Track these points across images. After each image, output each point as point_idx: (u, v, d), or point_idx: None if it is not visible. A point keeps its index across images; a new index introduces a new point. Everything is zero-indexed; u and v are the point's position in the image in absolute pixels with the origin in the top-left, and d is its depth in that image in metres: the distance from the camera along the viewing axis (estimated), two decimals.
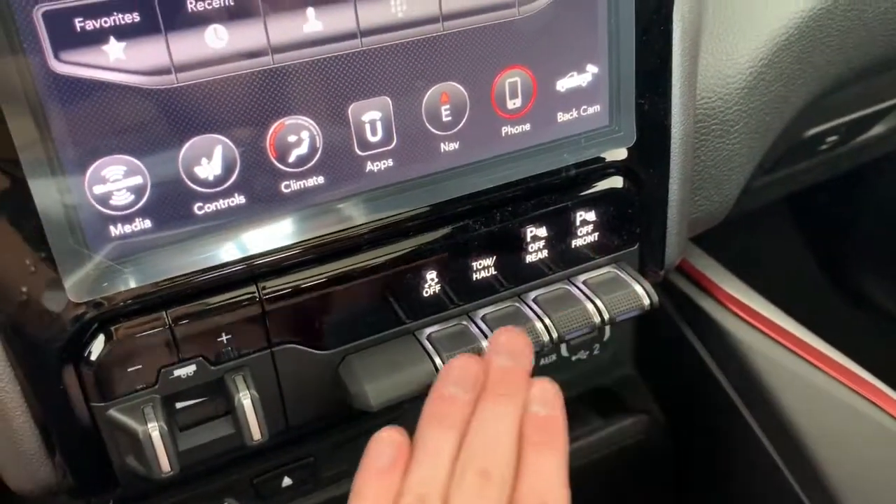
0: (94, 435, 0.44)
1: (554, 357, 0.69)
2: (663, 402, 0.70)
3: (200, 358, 0.44)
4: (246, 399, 0.44)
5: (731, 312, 0.64)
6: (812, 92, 0.67)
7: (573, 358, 0.70)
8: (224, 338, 0.44)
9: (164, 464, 0.42)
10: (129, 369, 0.42)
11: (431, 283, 0.49)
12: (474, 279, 0.50)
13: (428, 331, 0.50)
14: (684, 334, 0.67)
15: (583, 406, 0.70)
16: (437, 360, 0.48)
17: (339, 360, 0.48)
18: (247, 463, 0.59)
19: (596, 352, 0.71)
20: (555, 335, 0.50)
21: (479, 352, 0.48)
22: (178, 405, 0.45)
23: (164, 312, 0.42)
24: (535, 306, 0.51)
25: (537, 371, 0.67)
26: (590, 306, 0.51)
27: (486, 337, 0.49)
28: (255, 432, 0.44)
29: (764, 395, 0.61)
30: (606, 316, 0.51)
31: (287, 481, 0.60)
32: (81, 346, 0.41)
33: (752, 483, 0.64)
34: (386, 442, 0.40)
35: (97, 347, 0.42)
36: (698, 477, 0.69)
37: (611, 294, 0.52)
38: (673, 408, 0.69)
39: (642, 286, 0.53)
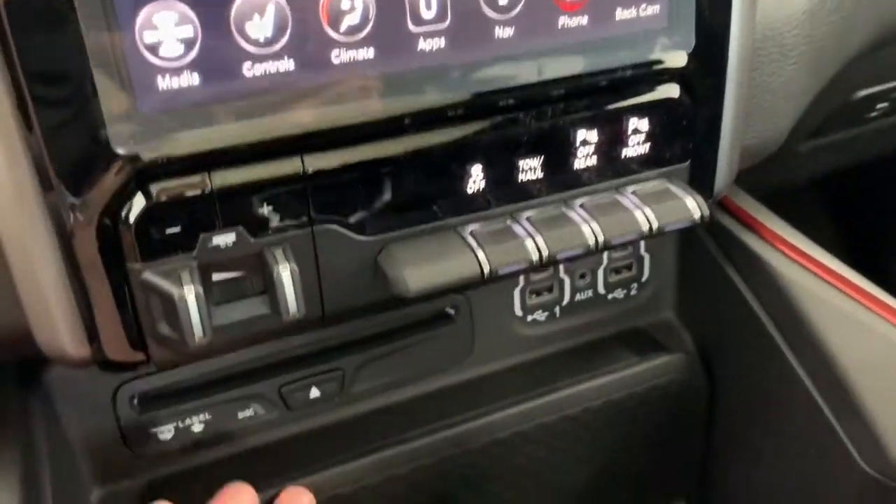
0: (127, 299, 0.43)
1: (590, 293, 0.68)
2: (701, 344, 0.68)
3: (241, 227, 0.43)
4: (285, 271, 0.43)
5: (776, 249, 0.62)
6: (869, 34, 0.65)
7: (609, 296, 0.69)
8: (265, 209, 0.43)
9: (198, 330, 0.41)
10: (167, 231, 0.41)
11: (476, 177, 0.47)
12: (520, 179, 0.49)
13: (470, 227, 0.48)
14: (726, 272, 0.65)
15: (617, 344, 0.68)
16: (480, 254, 0.47)
17: (378, 249, 0.47)
18: (275, 371, 0.58)
19: (633, 292, 0.70)
20: (601, 239, 0.49)
21: (521, 249, 0.47)
22: (215, 277, 0.44)
23: (206, 174, 0.41)
24: (581, 211, 0.50)
25: (571, 307, 0.67)
26: (638, 214, 0.50)
27: (529, 236, 0.48)
28: (292, 307, 0.43)
29: (808, 333, 0.60)
30: (655, 224, 0.50)
31: (315, 392, 0.59)
32: (121, 203, 0.41)
33: (789, 420, 0.62)
34: None
35: (137, 205, 0.41)
36: (733, 417, 0.67)
37: (661, 204, 0.51)
38: (710, 348, 0.68)
39: (694, 199, 0.51)
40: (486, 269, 0.47)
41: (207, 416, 0.57)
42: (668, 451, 0.68)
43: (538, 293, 0.66)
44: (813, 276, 0.61)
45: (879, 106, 0.86)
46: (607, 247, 0.50)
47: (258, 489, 0.55)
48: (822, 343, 0.59)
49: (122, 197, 0.40)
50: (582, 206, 0.50)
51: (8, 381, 0.52)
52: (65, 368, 0.53)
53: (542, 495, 0.64)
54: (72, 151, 0.39)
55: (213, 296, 0.44)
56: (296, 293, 0.43)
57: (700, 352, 0.68)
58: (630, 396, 0.64)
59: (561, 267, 0.65)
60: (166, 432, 0.56)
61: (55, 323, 0.43)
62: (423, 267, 0.46)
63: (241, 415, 0.58)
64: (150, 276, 0.42)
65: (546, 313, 0.66)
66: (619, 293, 0.69)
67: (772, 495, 0.66)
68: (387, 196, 0.46)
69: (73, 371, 0.53)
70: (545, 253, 0.48)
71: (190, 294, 0.41)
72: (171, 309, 0.41)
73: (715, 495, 0.71)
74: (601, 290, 0.68)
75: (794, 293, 0.61)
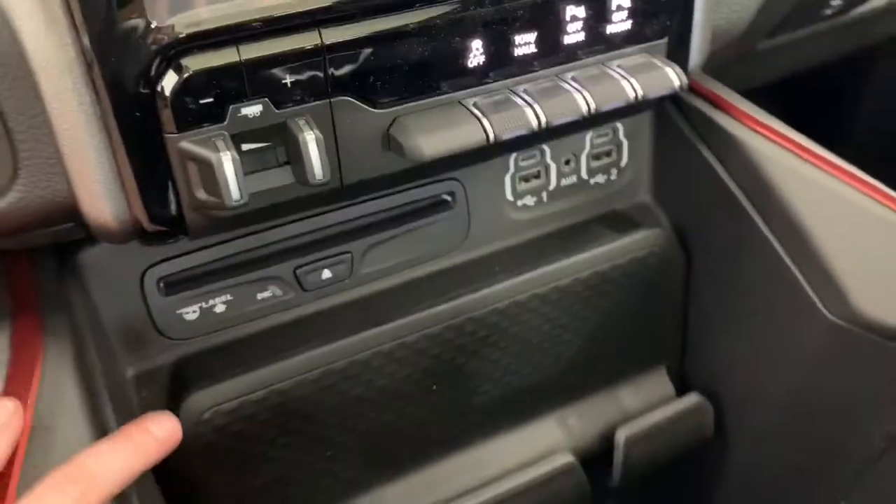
0: (166, 169, 0.46)
1: (574, 179, 0.73)
2: (676, 221, 0.74)
3: (266, 99, 0.46)
4: (310, 136, 0.46)
5: (746, 126, 0.68)
6: None
7: (592, 181, 0.74)
8: (288, 81, 0.46)
9: (235, 191, 0.45)
10: (201, 101, 0.45)
11: (476, 51, 0.51)
12: (516, 53, 0.53)
13: (473, 99, 0.52)
14: (699, 151, 0.70)
15: (599, 224, 0.73)
16: (485, 122, 0.51)
17: (390, 121, 0.51)
18: (290, 255, 0.62)
19: (613, 177, 0.75)
20: (592, 107, 0.53)
21: (522, 116, 0.52)
22: (244, 147, 0.47)
23: (235, 47, 0.45)
24: (573, 83, 0.54)
25: (557, 192, 0.72)
26: (625, 83, 0.55)
27: (528, 105, 0.52)
28: (318, 172, 0.47)
29: (776, 200, 0.65)
30: (640, 92, 0.55)
31: (327, 273, 0.63)
32: (158, 74, 0.44)
33: (759, 282, 0.68)
34: None
35: (172, 77, 0.44)
36: (708, 286, 0.73)
37: (644, 74, 0.55)
38: (686, 224, 0.73)
39: (673, 69, 0.56)
40: (491, 135, 0.51)
41: (229, 298, 0.61)
42: (650, 320, 0.74)
43: (527, 179, 0.70)
44: (779, 148, 0.66)
45: (834, 3, 0.91)
46: (598, 114, 0.54)
47: (279, 360, 0.60)
48: (789, 208, 0.65)
49: (159, 68, 0.44)
50: (573, 78, 0.55)
51: (47, 266, 0.55)
52: (97, 252, 0.56)
53: (537, 361, 0.70)
54: (111, 25, 0.42)
55: (244, 165, 0.48)
56: (321, 158, 0.47)
57: (676, 227, 0.74)
58: (613, 268, 0.70)
59: (547, 153, 0.70)
60: (191, 313, 0.60)
61: (99, 192, 0.46)
62: (434, 134, 0.50)
63: (259, 296, 0.62)
64: (187, 144, 0.45)
65: (535, 198, 0.71)
66: (600, 178, 0.74)
67: (745, 355, 0.73)
68: (396, 70, 0.50)
69: (104, 256, 0.57)
70: (543, 119, 0.52)
71: (226, 158, 0.45)
72: (209, 173, 0.45)
73: (693, 361, 0.78)
74: (584, 175, 0.73)
75: (763, 165, 0.66)
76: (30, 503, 0.41)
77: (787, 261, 0.65)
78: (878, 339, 0.62)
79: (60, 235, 0.52)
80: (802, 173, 0.65)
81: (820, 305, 0.64)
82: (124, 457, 0.45)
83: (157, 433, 0.48)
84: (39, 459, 0.45)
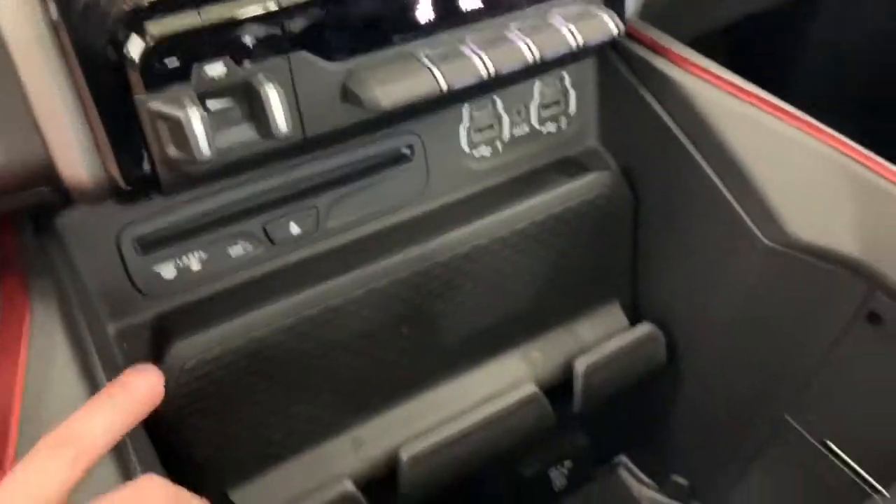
0: (137, 129, 0.49)
1: (526, 128, 0.76)
2: (623, 164, 0.78)
3: (228, 57, 0.49)
4: (272, 91, 0.49)
5: (683, 69, 0.72)
6: None
7: (543, 130, 0.77)
8: (248, 39, 0.49)
9: (204, 146, 0.48)
10: (166, 63, 0.47)
11: (424, 4, 0.55)
12: (462, 6, 0.56)
13: (424, 51, 0.56)
14: (642, 96, 0.74)
15: (551, 171, 0.78)
16: (437, 72, 0.54)
17: (347, 75, 0.54)
18: (258, 211, 0.65)
19: (563, 125, 0.79)
20: (537, 55, 0.57)
21: (471, 66, 0.55)
22: (210, 105, 0.50)
23: (196, 10, 0.47)
24: (518, 32, 0.58)
25: (511, 141, 0.76)
26: (565, 31, 0.58)
27: (476, 55, 0.56)
28: (281, 124, 0.50)
29: (714, 137, 0.70)
30: (581, 40, 0.58)
31: (295, 228, 0.67)
32: (123, 40, 0.46)
33: (701, 215, 0.73)
34: None
35: (137, 41, 0.46)
36: (654, 223, 0.78)
37: (583, 22, 0.59)
38: (632, 166, 0.78)
39: (610, 17, 0.60)
40: (444, 84, 0.54)
41: (203, 255, 0.64)
42: (603, 257, 0.79)
43: (481, 130, 0.74)
44: (715, 88, 0.71)
45: None
46: (542, 62, 0.58)
47: (255, 309, 0.63)
48: (726, 144, 0.69)
49: (125, 34, 0.46)
50: (517, 28, 0.58)
51: (26, 230, 0.58)
52: (74, 215, 0.59)
53: (499, 301, 0.74)
54: None
55: (211, 122, 0.51)
56: (283, 112, 0.50)
57: (623, 169, 0.78)
58: (565, 210, 0.74)
59: (499, 104, 0.73)
60: (168, 271, 0.63)
61: (74, 154, 0.49)
62: (389, 85, 0.53)
63: (232, 252, 0.65)
64: (155, 104, 0.48)
65: (489, 148, 0.75)
66: (550, 126, 0.77)
67: (691, 285, 0.78)
68: (350, 24, 0.53)
69: (81, 218, 0.59)
70: (491, 69, 0.56)
71: (194, 115, 0.48)
72: (179, 131, 0.48)
73: (644, 293, 0.83)
74: (535, 124, 0.76)
75: (700, 105, 0.71)
76: (24, 469, 0.41)
77: (726, 193, 0.70)
78: (810, 259, 0.67)
79: (38, 199, 0.54)
80: (737, 111, 0.70)
81: (757, 232, 0.69)
82: (113, 416, 0.46)
83: (143, 388, 0.50)
84: (35, 416, 0.48)
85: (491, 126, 0.74)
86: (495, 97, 0.73)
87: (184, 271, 0.64)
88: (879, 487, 0.69)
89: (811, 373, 0.73)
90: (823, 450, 0.75)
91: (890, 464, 0.67)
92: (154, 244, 0.62)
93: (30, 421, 0.48)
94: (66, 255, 0.59)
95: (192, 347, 0.61)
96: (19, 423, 0.47)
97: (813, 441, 0.76)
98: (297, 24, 0.51)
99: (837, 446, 0.74)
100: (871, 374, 0.68)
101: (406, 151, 0.70)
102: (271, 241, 0.66)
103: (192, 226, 0.63)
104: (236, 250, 0.65)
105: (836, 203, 0.66)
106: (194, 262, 0.64)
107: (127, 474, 0.48)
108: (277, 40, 0.50)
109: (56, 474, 0.41)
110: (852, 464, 0.73)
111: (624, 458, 0.97)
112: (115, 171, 0.50)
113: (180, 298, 0.64)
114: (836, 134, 0.68)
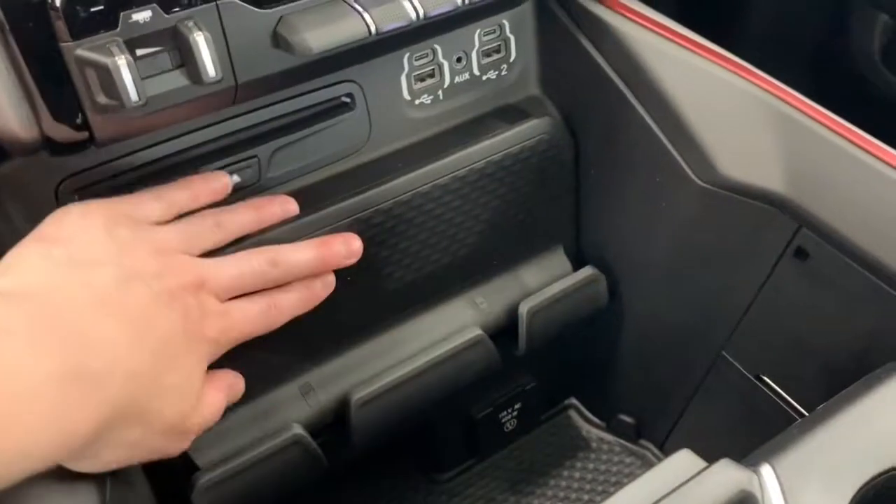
0: (66, 77, 0.49)
1: (467, 76, 0.77)
2: (563, 110, 0.80)
3: (155, 4, 0.49)
4: (200, 37, 0.50)
5: (619, 14, 0.73)
6: None
7: (483, 77, 0.78)
8: None
9: (133, 93, 0.48)
10: (92, 10, 0.47)
11: None
12: None
13: None
14: (580, 42, 0.75)
15: (492, 118, 0.79)
16: (366, 16, 0.55)
17: (276, 20, 0.54)
18: (199, 161, 0.65)
19: (504, 72, 0.79)
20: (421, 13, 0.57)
21: (400, 8, 0.56)
22: (138, 52, 0.50)
23: None
24: None
25: (452, 89, 0.76)
26: None
27: None
28: (210, 70, 0.51)
29: (648, 81, 0.71)
30: None
31: (237, 178, 0.67)
32: None
33: (637, 158, 0.75)
34: None
35: None
36: (594, 166, 0.80)
37: None
38: (572, 111, 0.79)
39: None
40: (373, 27, 0.55)
41: None
42: (545, 203, 0.80)
43: (422, 79, 0.74)
44: (648, 32, 0.72)
45: None
46: (472, 4, 0.59)
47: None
48: (659, 88, 0.71)
49: None
50: None
51: None
52: (10, 169, 0.59)
53: (443, 247, 0.76)
54: None
55: (140, 70, 0.51)
56: (212, 57, 0.51)
57: (563, 116, 0.79)
58: (506, 156, 0.75)
59: (440, 52, 0.74)
60: None
61: (4, 105, 0.49)
62: (319, 29, 0.54)
63: None
64: (82, 52, 0.48)
65: (431, 97, 0.75)
66: (491, 74, 0.78)
67: (630, 227, 0.80)
68: None
69: (17, 172, 0.59)
70: (420, 10, 0.56)
71: (121, 61, 0.48)
72: (108, 77, 0.48)
73: (586, 238, 0.85)
74: (476, 72, 0.77)
75: (635, 49, 0.72)
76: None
77: (661, 136, 0.72)
78: (741, 198, 0.69)
79: None
80: (670, 55, 0.71)
81: (690, 173, 0.71)
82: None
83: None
84: None
85: (432, 74, 0.75)
86: (436, 45, 0.73)
87: None
88: (805, 412, 0.73)
89: (744, 309, 0.76)
90: (758, 383, 0.78)
91: (815, 391, 0.70)
92: (94, 197, 0.62)
93: None
94: (3, 210, 0.59)
95: None
96: None
97: (748, 375, 0.79)
98: None
99: (770, 379, 0.78)
100: (799, 309, 0.71)
101: (346, 100, 0.71)
102: None
103: (132, 178, 0.63)
104: None
105: (765, 144, 0.68)
106: None
107: None
108: None
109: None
110: (784, 394, 0.76)
111: (573, 401, 1.00)
112: (48, 122, 0.50)
113: None
114: (766, 76, 0.70)
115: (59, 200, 0.61)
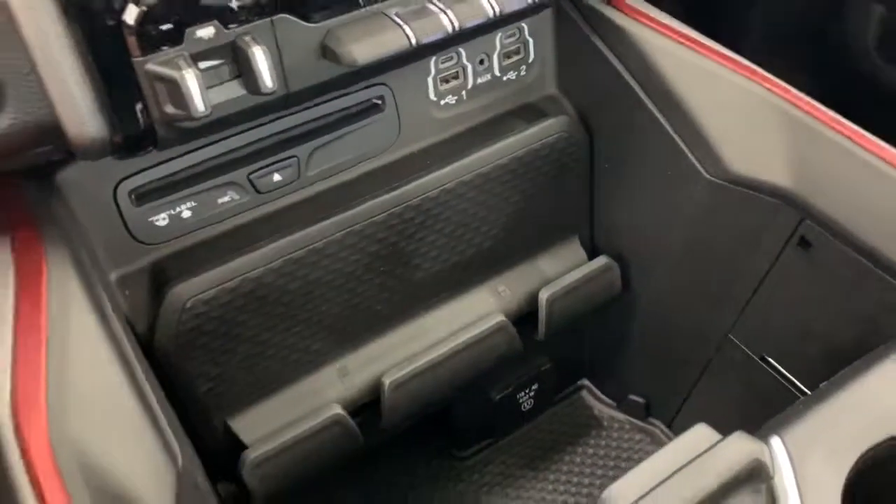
0: (136, 89, 0.53)
1: (489, 77, 0.82)
2: (580, 109, 0.84)
3: (216, 21, 0.54)
4: (258, 50, 0.54)
5: (633, 19, 0.78)
6: None
7: (504, 78, 0.83)
8: (234, 4, 0.54)
9: (200, 103, 0.53)
10: (160, 28, 0.52)
11: None
12: None
13: (395, 10, 0.61)
14: (596, 45, 0.80)
15: (513, 117, 0.83)
16: (407, 29, 0.59)
17: (324, 34, 0.59)
18: (243, 162, 0.70)
19: (523, 73, 0.84)
20: (497, 10, 0.62)
21: (437, 21, 0.60)
22: (201, 65, 0.55)
23: None
24: None
25: (475, 90, 0.81)
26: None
27: (442, 12, 0.61)
28: (268, 80, 0.55)
29: (662, 83, 0.76)
30: (498, 10, 0.63)
31: (278, 177, 0.72)
32: (121, 7, 0.51)
33: (651, 154, 0.80)
34: None
35: (133, 9, 0.51)
36: (609, 162, 0.85)
37: None
38: (588, 110, 0.84)
39: None
40: (413, 39, 0.60)
41: (193, 204, 0.69)
42: (562, 197, 0.85)
43: (447, 80, 0.79)
44: (661, 36, 0.77)
45: None
46: (504, 16, 0.63)
47: (246, 252, 0.68)
48: (671, 88, 0.76)
49: (122, 1, 0.51)
50: None
51: (31, 187, 0.62)
52: (74, 171, 0.63)
53: (468, 240, 0.81)
54: None
55: (203, 81, 0.55)
56: (269, 66, 0.55)
57: (579, 113, 0.84)
58: (527, 153, 0.80)
59: (463, 55, 0.79)
60: (162, 220, 0.68)
61: (80, 114, 0.53)
62: (364, 42, 0.58)
63: (220, 200, 0.70)
64: (152, 66, 0.53)
65: (455, 97, 0.80)
66: (511, 75, 0.83)
67: (643, 219, 0.85)
68: None
69: (80, 174, 0.64)
70: (456, 23, 0.61)
71: (189, 75, 0.52)
72: (176, 90, 0.53)
73: (601, 229, 0.90)
74: (497, 73, 0.82)
75: (648, 51, 0.77)
76: None
77: (672, 133, 0.77)
78: (748, 191, 0.74)
79: (42, 157, 0.59)
80: (682, 57, 0.76)
81: (700, 168, 0.76)
82: None
83: None
84: (59, 346, 0.54)
85: (456, 76, 0.79)
86: (460, 49, 0.78)
87: (176, 219, 0.69)
88: (806, 391, 0.78)
89: (750, 295, 0.81)
90: (762, 363, 0.84)
91: (816, 371, 0.76)
92: (148, 195, 0.67)
93: (55, 349, 0.53)
94: (68, 209, 0.63)
95: (189, 288, 0.66)
96: (47, 361, 0.52)
97: (753, 356, 0.84)
98: None
99: (774, 360, 0.83)
100: (802, 294, 0.76)
101: (378, 102, 0.75)
102: (256, 189, 0.71)
103: (182, 177, 0.68)
104: (223, 199, 0.70)
105: (771, 141, 0.73)
106: (185, 210, 0.69)
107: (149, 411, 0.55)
108: (261, 4, 0.55)
109: None
110: (786, 373, 0.81)
111: (586, 382, 1.05)
112: (117, 129, 0.55)
113: (175, 245, 0.70)
114: (772, 77, 0.75)
115: (118, 199, 0.65)
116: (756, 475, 0.52)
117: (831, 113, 0.72)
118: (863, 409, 0.57)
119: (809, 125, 0.71)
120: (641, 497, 0.50)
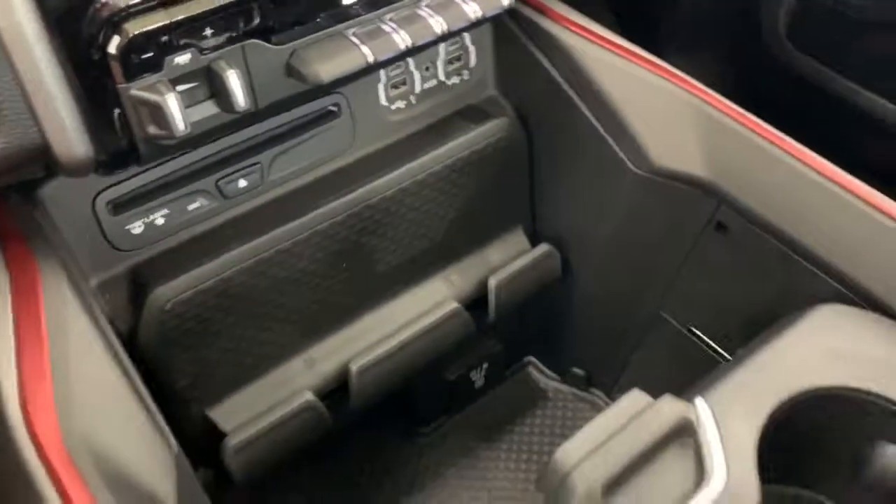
0: (120, 113, 0.58)
1: (434, 82, 0.88)
2: (518, 110, 0.92)
3: (193, 48, 0.59)
4: (232, 73, 0.60)
5: (562, 26, 0.85)
6: None
7: (448, 82, 0.90)
8: (208, 32, 0.59)
9: (181, 123, 0.58)
10: (142, 56, 0.57)
11: None
12: None
13: (352, 31, 0.67)
14: (530, 50, 0.87)
15: (459, 118, 0.90)
16: (365, 49, 0.66)
17: (289, 54, 0.64)
18: (210, 170, 0.75)
19: (465, 77, 0.91)
20: (445, 28, 0.69)
21: (392, 42, 0.66)
22: (179, 88, 0.60)
23: (165, 10, 0.57)
24: (427, 10, 0.69)
25: (422, 94, 0.87)
26: (467, 7, 0.70)
27: (395, 32, 0.67)
28: (241, 100, 0.61)
29: (590, 84, 0.84)
30: (480, 13, 0.70)
31: (243, 182, 0.77)
32: (105, 39, 0.55)
33: (583, 151, 0.88)
34: None
35: (116, 40, 0.56)
36: (545, 159, 0.92)
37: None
38: (526, 111, 0.91)
39: None
40: (371, 58, 0.66)
41: (166, 211, 0.73)
42: (506, 191, 0.93)
43: (396, 86, 0.85)
44: (588, 42, 0.84)
45: None
46: (450, 33, 0.70)
47: (219, 255, 0.74)
48: (599, 89, 0.84)
49: (106, 34, 0.55)
50: (427, 6, 0.70)
51: (13, 202, 0.66)
52: (54, 187, 0.68)
53: (422, 234, 0.88)
54: (67, 3, 0.53)
55: (182, 103, 0.60)
56: (242, 87, 0.61)
57: (518, 115, 0.92)
58: (472, 153, 0.87)
59: (411, 63, 0.85)
60: (137, 228, 0.73)
61: (69, 137, 0.58)
62: (327, 62, 0.64)
63: (190, 207, 0.75)
64: (135, 91, 0.58)
65: (404, 102, 0.87)
66: (455, 79, 0.90)
67: (578, 210, 0.93)
68: (289, 13, 0.63)
69: (60, 189, 0.68)
70: (409, 42, 0.67)
71: (171, 99, 0.57)
72: (158, 112, 0.58)
73: (541, 219, 0.98)
74: (442, 78, 0.88)
75: (577, 56, 0.84)
76: None
77: (601, 130, 0.85)
78: (670, 182, 0.83)
79: (28, 174, 0.63)
80: (608, 61, 0.84)
81: (627, 162, 0.84)
82: None
83: None
84: (60, 349, 0.58)
85: (404, 82, 0.86)
86: (407, 58, 0.84)
87: (150, 226, 0.73)
88: (728, 357, 0.88)
89: (675, 274, 0.91)
90: (689, 335, 0.93)
91: (735, 339, 0.85)
92: (124, 205, 0.71)
93: (55, 351, 0.58)
94: (51, 221, 0.68)
95: (169, 291, 0.71)
96: (51, 365, 0.57)
97: (681, 329, 0.94)
98: (249, 19, 0.61)
99: (700, 331, 0.92)
100: (720, 272, 0.86)
101: (333, 109, 0.81)
102: (223, 195, 0.76)
103: (155, 187, 0.73)
104: (194, 205, 0.75)
105: (689, 136, 0.82)
106: (159, 217, 0.73)
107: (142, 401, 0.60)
108: (233, 32, 0.60)
109: None
110: (710, 342, 0.91)
111: (532, 359, 1.14)
112: (103, 149, 0.59)
113: (149, 251, 0.74)
114: (689, 78, 0.84)
115: (96, 210, 0.70)
116: (684, 431, 0.61)
117: (740, 109, 0.81)
118: (773, 369, 0.67)
119: (721, 121, 0.80)
120: (588, 454, 0.58)
